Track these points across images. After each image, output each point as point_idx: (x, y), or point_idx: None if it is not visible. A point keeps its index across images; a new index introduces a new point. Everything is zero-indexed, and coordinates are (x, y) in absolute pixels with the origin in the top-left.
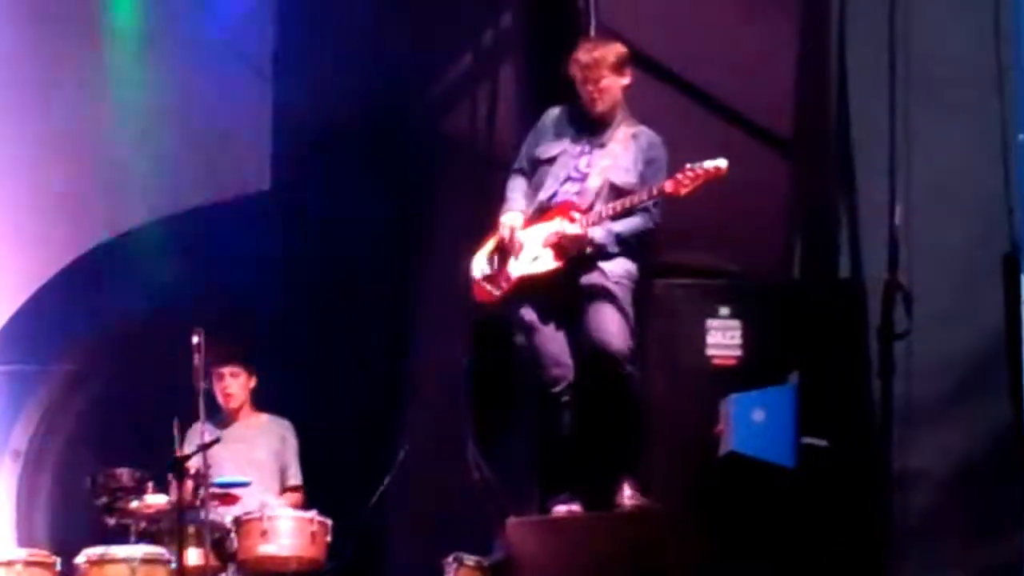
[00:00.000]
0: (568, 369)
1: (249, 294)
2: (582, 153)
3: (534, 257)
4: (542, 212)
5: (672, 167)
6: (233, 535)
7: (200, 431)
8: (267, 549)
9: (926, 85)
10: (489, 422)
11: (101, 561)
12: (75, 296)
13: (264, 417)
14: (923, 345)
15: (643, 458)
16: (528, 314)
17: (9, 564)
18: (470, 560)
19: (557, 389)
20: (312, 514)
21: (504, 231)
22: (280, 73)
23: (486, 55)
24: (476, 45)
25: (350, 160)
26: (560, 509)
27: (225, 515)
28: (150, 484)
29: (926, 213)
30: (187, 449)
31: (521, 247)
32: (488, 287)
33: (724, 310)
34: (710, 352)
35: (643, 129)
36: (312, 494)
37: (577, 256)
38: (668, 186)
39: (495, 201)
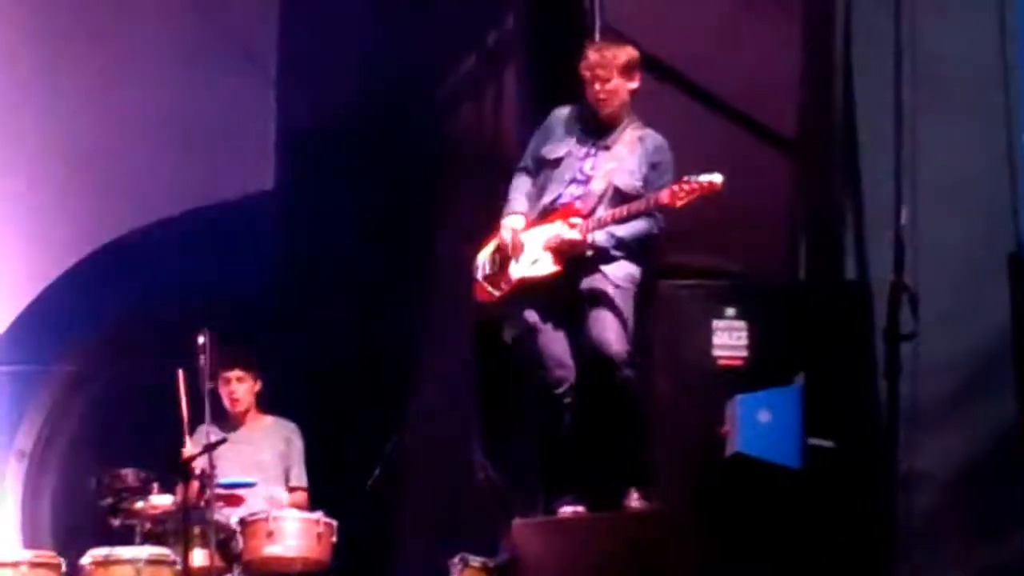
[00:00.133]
0: (570, 371)
1: (252, 294)
2: (587, 155)
3: (534, 260)
4: (545, 214)
5: (677, 170)
6: (238, 536)
7: (206, 432)
8: (273, 550)
9: (931, 85)
10: (494, 423)
11: (106, 562)
12: (79, 297)
13: (269, 419)
14: (929, 346)
15: (647, 459)
16: (530, 316)
17: (15, 565)
18: (475, 561)
19: (560, 391)
20: (318, 515)
21: (505, 233)
22: (283, 74)
23: (489, 56)
24: (479, 46)
25: (353, 161)
26: (565, 510)
27: (230, 516)
28: (155, 485)
29: (931, 214)
30: (192, 450)
31: (522, 249)
32: (489, 288)
33: (730, 311)
34: (716, 353)
35: (649, 132)
36: (315, 495)
37: (578, 259)
38: (664, 197)
39: (499, 202)
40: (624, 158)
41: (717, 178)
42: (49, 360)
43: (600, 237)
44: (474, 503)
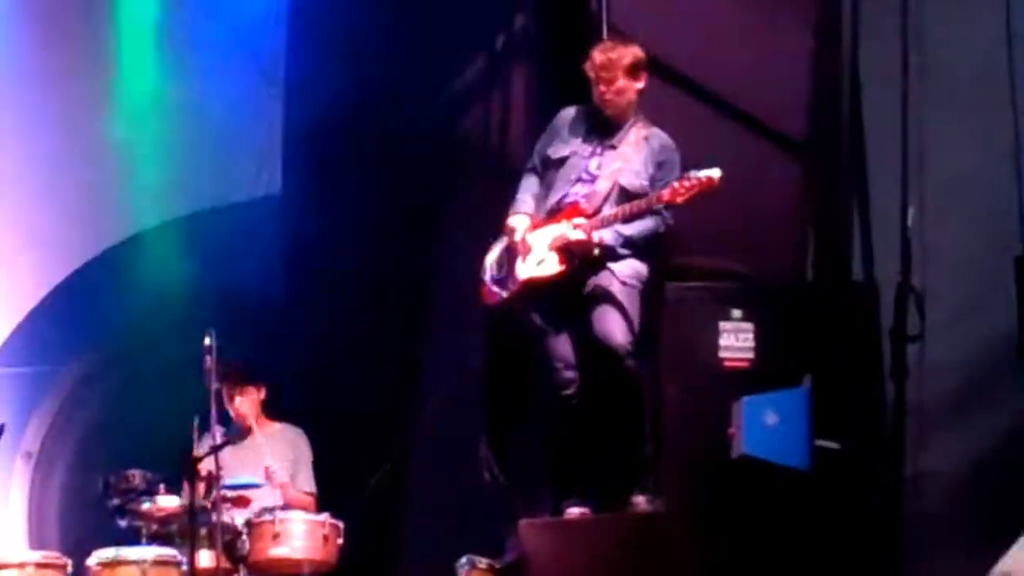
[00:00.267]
0: (577, 371)
1: (260, 296)
2: (593, 154)
3: (540, 260)
4: (552, 214)
5: (684, 170)
6: (245, 537)
7: (212, 433)
8: (279, 551)
9: (938, 87)
10: (500, 424)
11: (113, 563)
12: (86, 298)
13: (277, 425)
14: (935, 347)
15: (652, 459)
16: (537, 317)
17: (21, 566)
18: (482, 562)
19: (568, 391)
20: (324, 517)
21: (511, 234)
22: (291, 76)
23: (498, 58)
24: (488, 48)
25: (360, 163)
26: (572, 511)
27: (237, 517)
28: (162, 486)
29: (938, 215)
30: (199, 452)
31: (528, 250)
32: (496, 289)
33: (736, 313)
34: (722, 355)
35: (655, 132)
36: (321, 496)
37: (585, 259)
38: (665, 194)
39: (506, 203)
40: (630, 158)
41: (716, 173)
42: (56, 362)
43: (607, 236)
44: (480, 504)
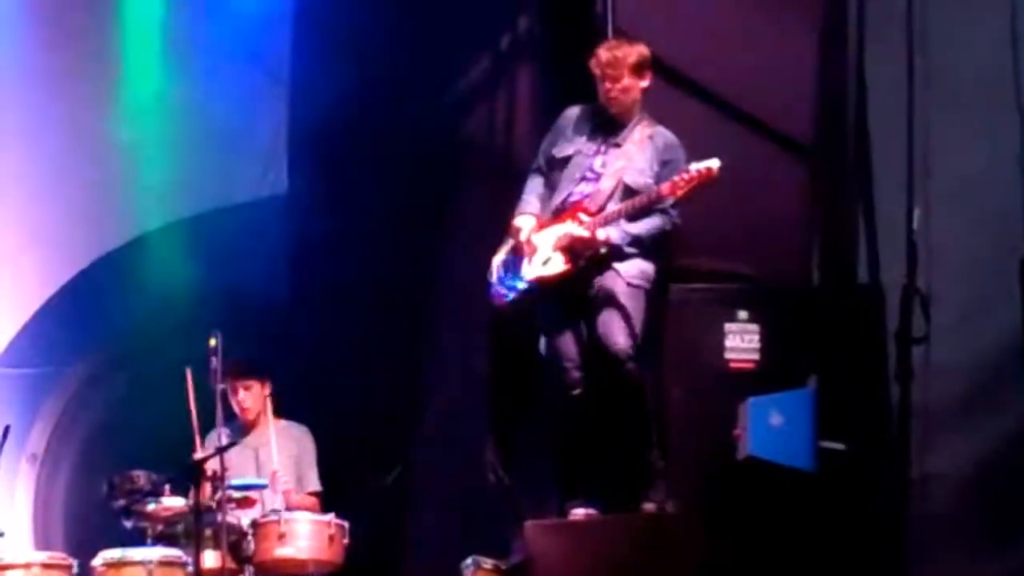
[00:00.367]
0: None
1: (265, 297)
2: (597, 153)
3: (545, 260)
4: (557, 214)
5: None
6: (250, 537)
7: (218, 434)
8: (284, 552)
9: (943, 90)
10: (506, 424)
11: (118, 564)
12: (91, 299)
13: (282, 423)
14: (941, 349)
15: (657, 460)
16: (544, 317)
17: (27, 567)
18: (487, 563)
19: (575, 391)
20: (330, 517)
21: (517, 234)
22: (296, 76)
23: (503, 59)
24: (493, 49)
25: (365, 163)
26: (577, 512)
27: (242, 518)
28: (167, 487)
29: (943, 218)
30: (204, 452)
31: (534, 250)
32: (503, 291)
33: (742, 314)
34: (728, 356)
35: (660, 130)
36: (327, 496)
37: (591, 258)
38: (665, 189)
39: (512, 204)
40: (634, 156)
41: (715, 163)
42: (61, 363)
43: (614, 234)
44: (486, 505)
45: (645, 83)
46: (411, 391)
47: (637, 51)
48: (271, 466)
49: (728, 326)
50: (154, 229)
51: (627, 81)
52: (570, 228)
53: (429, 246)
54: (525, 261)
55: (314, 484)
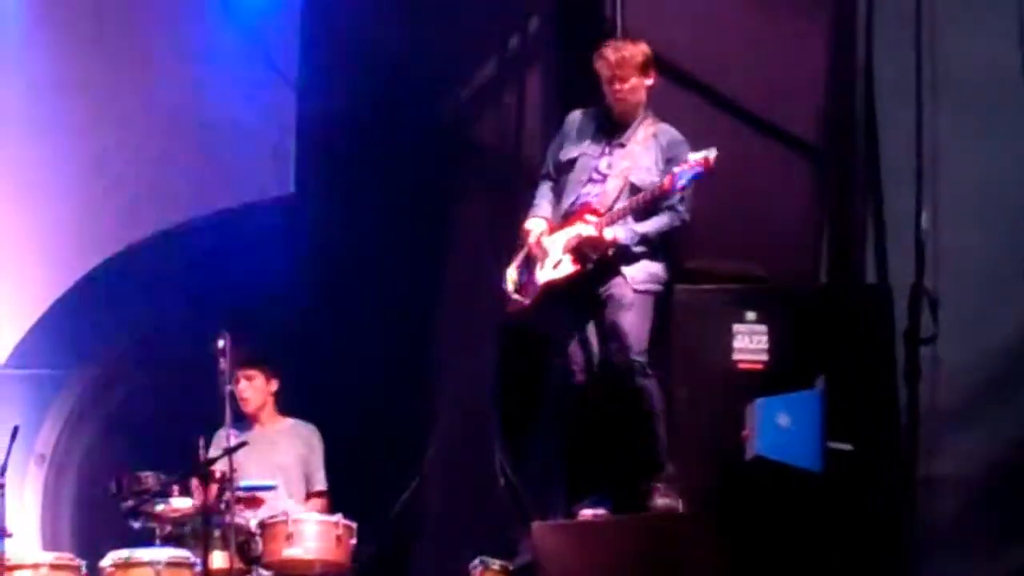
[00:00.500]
0: (593, 375)
1: (274, 298)
2: (602, 154)
3: (556, 262)
4: (567, 217)
5: None
6: (258, 538)
7: (225, 435)
8: (292, 552)
9: (952, 91)
10: (514, 425)
11: (126, 564)
12: (99, 301)
13: (289, 421)
14: (949, 349)
15: (667, 462)
16: (555, 320)
17: (35, 567)
18: (495, 564)
19: (583, 393)
20: (337, 518)
21: (527, 237)
22: (305, 77)
23: (513, 61)
24: (503, 51)
25: (374, 163)
26: (585, 513)
27: (250, 518)
28: (175, 487)
29: (951, 218)
30: (212, 453)
31: (545, 254)
32: (518, 297)
33: (750, 315)
34: (736, 357)
35: (664, 127)
36: (336, 497)
37: (600, 258)
38: (665, 183)
39: (522, 206)
40: (639, 155)
41: (712, 153)
42: (69, 364)
43: (622, 234)
44: (494, 506)
45: (650, 81)
46: (419, 391)
47: (642, 50)
48: (278, 466)
49: (736, 327)
50: (162, 230)
51: (634, 80)
52: (580, 229)
53: (437, 247)
54: (538, 266)
55: (322, 484)
